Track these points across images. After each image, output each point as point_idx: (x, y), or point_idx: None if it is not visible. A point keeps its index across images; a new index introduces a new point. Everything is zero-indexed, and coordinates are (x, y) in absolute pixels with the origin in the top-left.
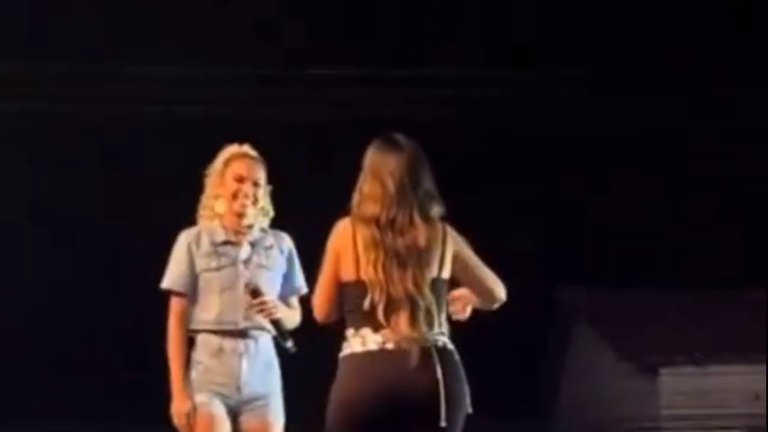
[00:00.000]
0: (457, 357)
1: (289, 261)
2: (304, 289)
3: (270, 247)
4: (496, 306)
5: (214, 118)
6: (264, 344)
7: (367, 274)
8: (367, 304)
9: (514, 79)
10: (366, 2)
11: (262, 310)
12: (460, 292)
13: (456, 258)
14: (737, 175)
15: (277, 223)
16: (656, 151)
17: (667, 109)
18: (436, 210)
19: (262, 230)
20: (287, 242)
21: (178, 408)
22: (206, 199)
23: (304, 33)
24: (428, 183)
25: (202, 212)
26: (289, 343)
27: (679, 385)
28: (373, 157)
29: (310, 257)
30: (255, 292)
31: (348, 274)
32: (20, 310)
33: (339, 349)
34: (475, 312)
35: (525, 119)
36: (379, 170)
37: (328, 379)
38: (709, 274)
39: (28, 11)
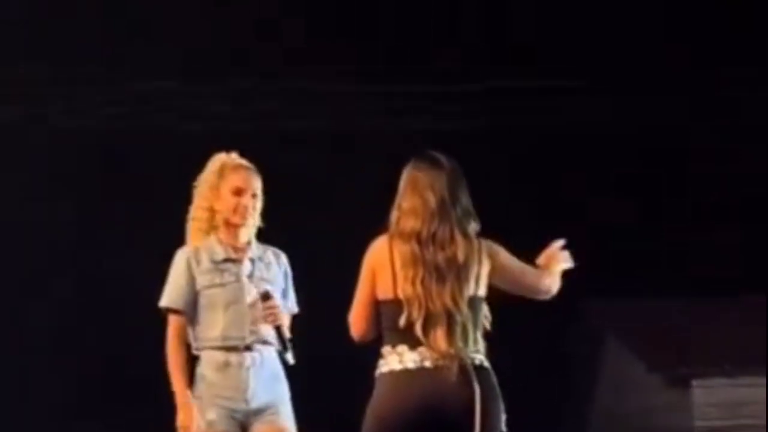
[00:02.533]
0: (493, 375)
1: (286, 278)
2: (296, 309)
3: (269, 263)
4: (547, 297)
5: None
6: (269, 356)
7: (404, 291)
8: (403, 321)
9: (513, 79)
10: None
11: (271, 314)
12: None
13: (493, 271)
14: (737, 175)
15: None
16: (656, 150)
17: (667, 109)
18: (473, 227)
19: (260, 245)
20: (284, 259)
21: (184, 420)
22: (195, 210)
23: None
24: (466, 200)
25: (192, 223)
26: (290, 354)
27: (711, 397)
28: (412, 173)
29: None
30: (266, 296)
31: (385, 292)
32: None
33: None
34: (502, 327)
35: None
36: (418, 186)
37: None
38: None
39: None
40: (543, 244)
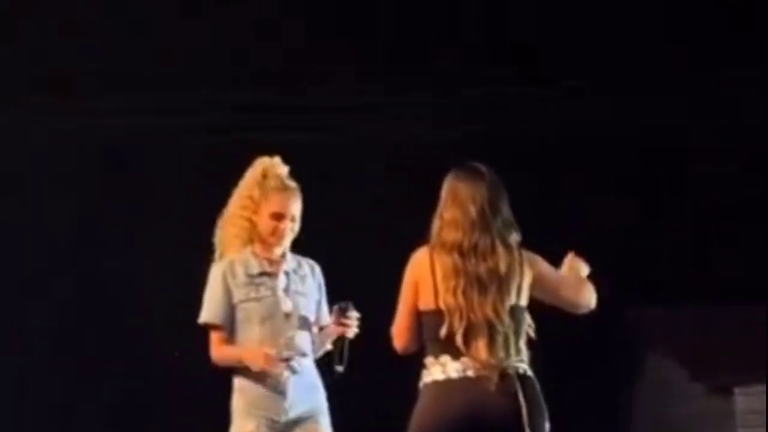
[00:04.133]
0: (537, 384)
1: (320, 290)
2: (328, 320)
3: (305, 276)
4: (584, 311)
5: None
6: (307, 366)
7: (445, 301)
8: (444, 331)
9: (513, 78)
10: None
11: (346, 326)
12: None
13: (534, 282)
14: (737, 176)
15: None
16: (656, 150)
17: (667, 109)
18: (514, 237)
19: (294, 257)
20: (318, 271)
21: (253, 353)
22: (234, 217)
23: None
24: (507, 211)
25: (230, 229)
26: (341, 368)
27: (753, 404)
28: (453, 184)
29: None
30: (344, 310)
31: (427, 303)
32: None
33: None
34: (544, 334)
35: (527, 118)
36: (459, 197)
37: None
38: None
39: None
40: (543, 244)
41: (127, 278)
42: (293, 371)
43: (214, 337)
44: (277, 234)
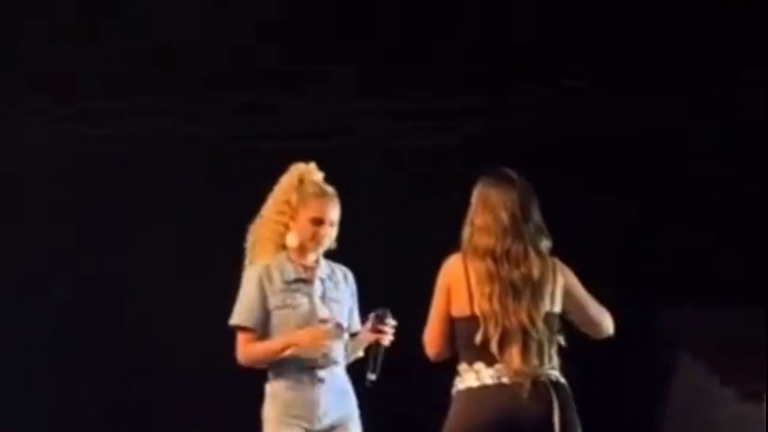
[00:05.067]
0: (570, 391)
1: (352, 297)
2: (359, 327)
3: (338, 282)
4: (602, 337)
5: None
6: (339, 373)
7: (480, 307)
8: (479, 338)
9: (513, 78)
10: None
11: (382, 333)
12: None
13: (566, 292)
14: (737, 175)
15: None
16: (656, 150)
17: (667, 109)
18: (545, 244)
19: (327, 263)
20: (350, 278)
21: (308, 333)
22: (270, 222)
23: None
24: (538, 217)
25: (265, 234)
26: (374, 376)
27: None
28: (484, 190)
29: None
30: (381, 318)
31: (461, 310)
32: None
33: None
34: (572, 341)
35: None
36: (491, 203)
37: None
38: None
39: None
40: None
41: (126, 278)
42: (324, 379)
43: (244, 338)
44: (316, 239)
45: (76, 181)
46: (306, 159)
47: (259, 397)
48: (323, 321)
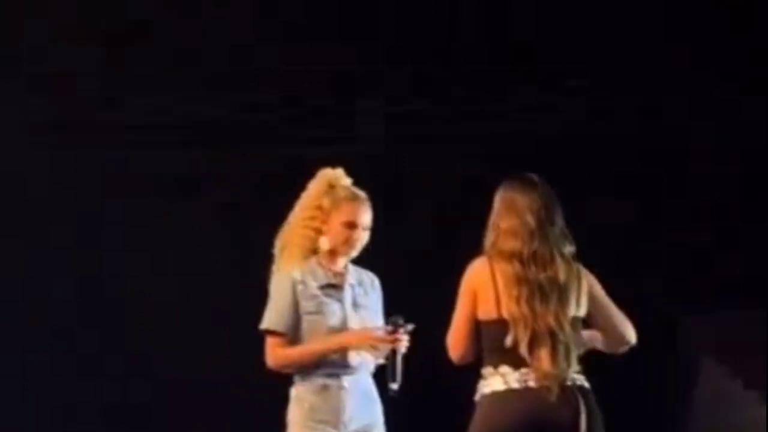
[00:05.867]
0: (594, 397)
1: (379, 302)
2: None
3: (367, 288)
4: (624, 349)
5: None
6: (365, 379)
7: (509, 310)
8: (509, 341)
9: (513, 78)
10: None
11: (401, 341)
12: (588, 334)
13: (590, 296)
14: (737, 175)
15: None
16: (656, 151)
17: (667, 109)
18: (569, 249)
19: (355, 269)
20: (377, 284)
21: (354, 336)
22: (300, 228)
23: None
24: (561, 221)
25: (296, 240)
26: (396, 385)
27: None
28: (508, 193)
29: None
30: (397, 325)
31: (487, 313)
32: None
33: None
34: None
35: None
36: (516, 206)
37: None
38: None
39: None
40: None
41: (126, 278)
42: (350, 384)
43: (274, 342)
44: (349, 243)
45: (76, 182)
46: (308, 160)
47: (259, 398)
48: (395, 324)
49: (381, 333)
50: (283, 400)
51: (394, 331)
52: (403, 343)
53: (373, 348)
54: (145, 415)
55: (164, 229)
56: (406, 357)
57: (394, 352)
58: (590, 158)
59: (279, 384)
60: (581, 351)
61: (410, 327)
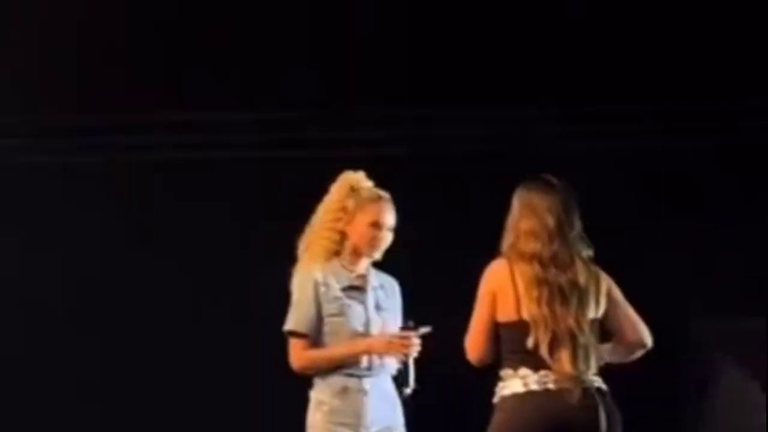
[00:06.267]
0: (612, 398)
1: (399, 306)
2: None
3: (388, 291)
4: (639, 353)
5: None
6: (385, 381)
7: (530, 312)
8: (530, 343)
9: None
10: None
11: (411, 346)
12: (603, 347)
13: (609, 299)
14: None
15: None
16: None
17: (666, 108)
18: (587, 251)
19: (377, 273)
20: (397, 288)
21: (369, 343)
22: (323, 230)
23: None
24: (579, 224)
25: (320, 242)
26: (408, 390)
27: None
28: (527, 195)
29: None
30: (409, 328)
31: (507, 315)
32: None
33: None
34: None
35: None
36: (536, 208)
37: None
38: None
39: None
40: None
41: (127, 278)
42: (371, 387)
43: (299, 344)
44: (374, 243)
45: (76, 181)
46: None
47: (260, 398)
48: (407, 328)
49: (396, 338)
50: (303, 404)
51: (406, 336)
52: (415, 348)
53: (397, 353)
54: (146, 415)
55: (165, 229)
56: (420, 360)
57: (405, 356)
58: (591, 159)
59: (298, 387)
60: (601, 363)
61: (423, 330)
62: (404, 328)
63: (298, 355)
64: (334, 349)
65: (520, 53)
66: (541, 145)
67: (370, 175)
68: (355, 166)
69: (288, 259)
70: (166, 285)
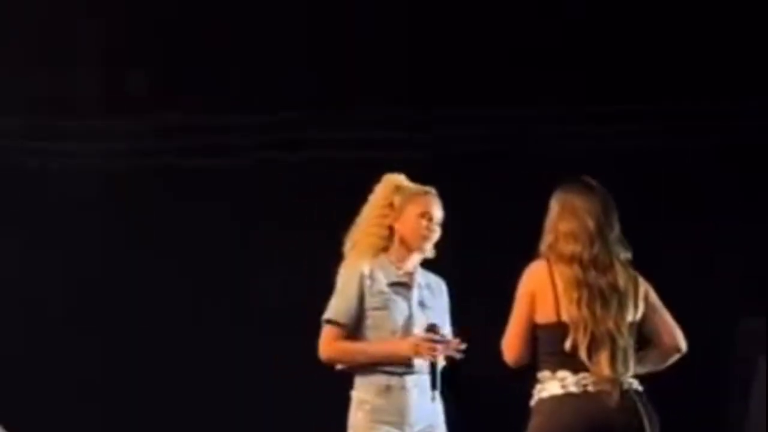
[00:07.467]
0: (648, 401)
1: (446, 306)
2: (450, 337)
3: (434, 291)
4: (674, 359)
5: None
6: (426, 379)
7: (569, 313)
8: (569, 345)
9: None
10: None
11: (434, 348)
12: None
13: (647, 303)
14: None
15: None
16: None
17: (666, 108)
18: (625, 254)
19: (424, 272)
20: (444, 288)
21: (405, 345)
22: (371, 226)
23: None
24: (617, 227)
25: (367, 239)
26: (435, 393)
27: None
28: (567, 196)
29: None
30: (432, 329)
31: (546, 316)
32: None
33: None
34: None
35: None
36: (576, 209)
37: None
38: None
39: None
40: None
41: (127, 278)
42: (414, 384)
43: (333, 333)
44: (426, 235)
45: (77, 183)
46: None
47: (260, 398)
48: (431, 329)
49: (440, 344)
50: (302, 404)
51: (430, 339)
52: (439, 352)
53: (425, 356)
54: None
55: (167, 232)
56: (456, 362)
57: (434, 357)
58: (592, 159)
59: (299, 387)
60: (638, 371)
61: (446, 333)
62: (429, 330)
63: (329, 344)
64: (367, 345)
65: (520, 53)
66: (541, 145)
67: (371, 175)
68: (355, 167)
69: (288, 259)
70: (166, 285)
